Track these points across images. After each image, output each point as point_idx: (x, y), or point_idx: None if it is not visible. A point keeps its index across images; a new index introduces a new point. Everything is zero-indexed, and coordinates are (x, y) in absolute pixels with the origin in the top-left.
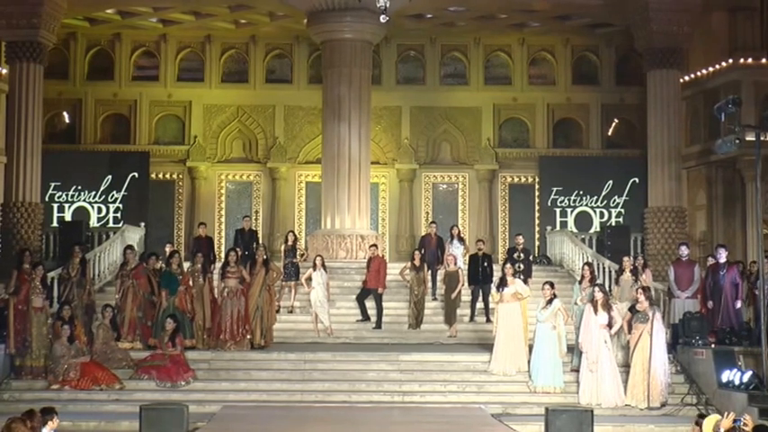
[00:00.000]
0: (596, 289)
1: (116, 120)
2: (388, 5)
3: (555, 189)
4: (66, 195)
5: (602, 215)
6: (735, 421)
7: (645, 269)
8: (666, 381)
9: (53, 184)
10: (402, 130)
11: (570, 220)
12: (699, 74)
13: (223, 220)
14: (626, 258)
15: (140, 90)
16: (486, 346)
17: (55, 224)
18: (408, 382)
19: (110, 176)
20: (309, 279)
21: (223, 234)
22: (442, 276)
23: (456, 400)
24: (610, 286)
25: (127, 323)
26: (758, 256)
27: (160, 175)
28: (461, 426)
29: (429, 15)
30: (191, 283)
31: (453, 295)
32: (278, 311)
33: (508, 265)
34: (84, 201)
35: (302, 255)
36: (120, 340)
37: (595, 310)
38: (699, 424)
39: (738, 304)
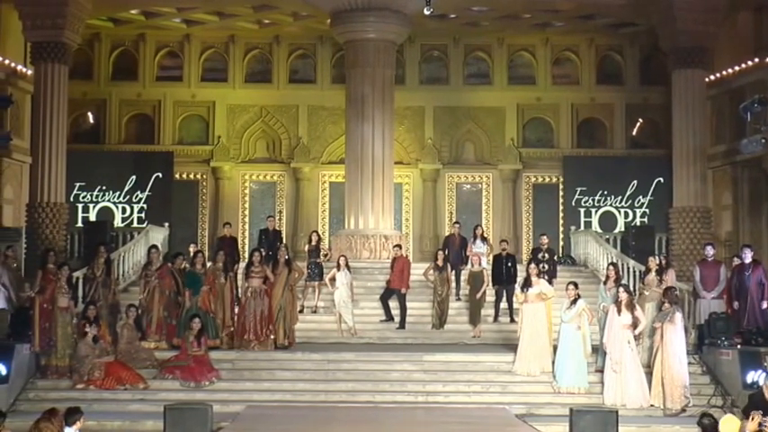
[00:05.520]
0: (621, 289)
1: (140, 120)
2: None
3: (579, 189)
4: (91, 195)
5: (626, 215)
6: (760, 424)
7: (668, 269)
8: (686, 383)
9: (78, 185)
10: (425, 130)
11: (594, 220)
12: (724, 73)
13: (247, 220)
14: (651, 258)
15: (164, 90)
16: (510, 346)
17: (79, 224)
18: (432, 382)
19: (134, 176)
20: (333, 279)
21: (247, 234)
22: (465, 276)
23: (480, 401)
24: (634, 287)
25: (154, 323)
26: None
27: (184, 176)
28: (485, 426)
29: (452, 15)
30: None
31: (478, 295)
32: (301, 311)
33: (533, 266)
34: (109, 201)
35: (326, 255)
36: (147, 340)
37: (619, 311)
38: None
39: (765, 305)
